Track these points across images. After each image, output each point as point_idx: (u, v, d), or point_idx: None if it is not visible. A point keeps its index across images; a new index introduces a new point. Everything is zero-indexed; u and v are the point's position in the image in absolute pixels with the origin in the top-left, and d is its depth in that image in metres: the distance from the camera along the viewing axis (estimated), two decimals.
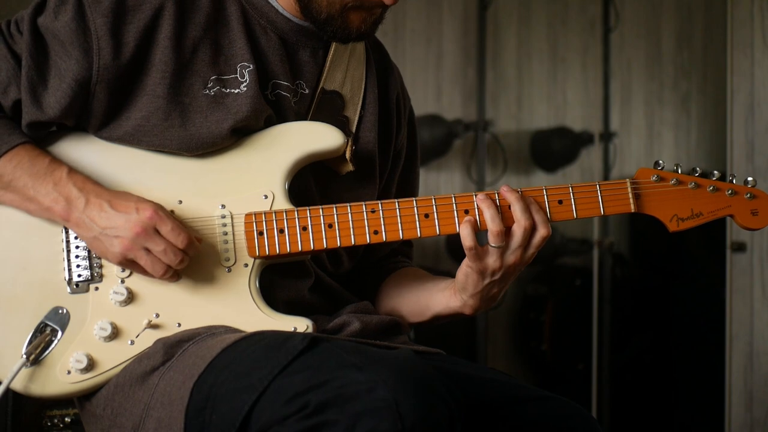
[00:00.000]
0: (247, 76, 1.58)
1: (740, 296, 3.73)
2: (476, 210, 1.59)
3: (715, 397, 3.81)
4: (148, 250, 1.50)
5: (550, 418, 1.56)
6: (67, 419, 2.40)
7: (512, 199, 1.57)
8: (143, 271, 1.53)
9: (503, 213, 1.58)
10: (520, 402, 1.57)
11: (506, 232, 1.57)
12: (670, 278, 4.48)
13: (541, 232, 1.58)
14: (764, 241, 3.70)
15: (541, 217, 1.58)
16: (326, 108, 1.68)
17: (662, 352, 4.49)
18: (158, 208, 1.52)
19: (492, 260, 1.58)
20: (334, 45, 1.70)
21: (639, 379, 4.51)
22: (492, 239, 1.57)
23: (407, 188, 1.85)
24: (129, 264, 1.53)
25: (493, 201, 1.58)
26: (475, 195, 1.59)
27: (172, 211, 1.57)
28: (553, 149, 4.50)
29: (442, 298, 1.68)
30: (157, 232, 1.50)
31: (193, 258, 1.54)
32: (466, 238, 1.57)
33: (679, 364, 4.40)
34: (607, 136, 4.53)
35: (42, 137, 1.60)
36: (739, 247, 3.70)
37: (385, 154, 1.78)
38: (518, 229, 1.57)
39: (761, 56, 3.73)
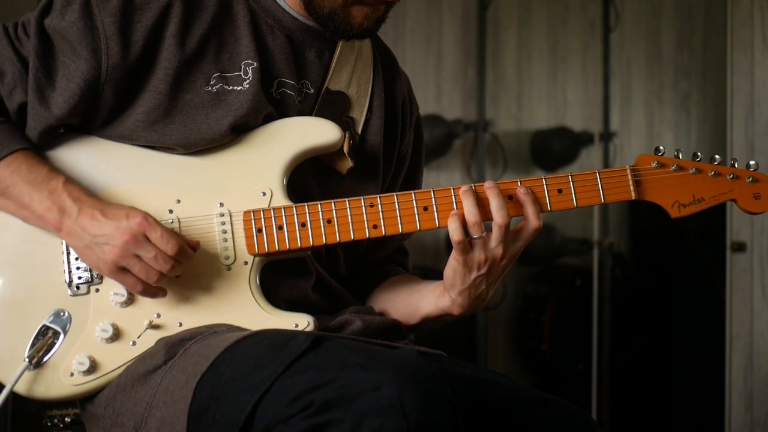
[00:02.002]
0: (250, 74, 1.58)
1: (740, 296, 3.73)
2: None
3: (715, 397, 3.82)
4: (139, 258, 1.49)
5: (552, 420, 1.56)
6: (67, 419, 2.40)
7: (491, 195, 1.56)
8: (133, 283, 1.51)
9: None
10: (522, 404, 1.57)
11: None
12: (670, 278, 4.48)
13: (533, 224, 1.57)
14: (764, 241, 3.71)
15: (533, 210, 1.57)
16: (331, 108, 1.68)
17: (662, 352, 4.48)
18: (147, 216, 1.50)
19: (477, 252, 1.56)
20: (340, 46, 1.70)
21: (639, 379, 4.51)
22: (470, 229, 1.55)
23: None
24: (120, 274, 1.50)
25: (474, 192, 1.56)
26: (473, 186, 1.57)
27: (170, 210, 1.57)
28: (553, 149, 4.50)
29: (431, 298, 1.66)
30: (146, 239, 1.49)
31: (189, 264, 1.53)
32: (455, 232, 1.55)
33: (679, 365, 4.39)
34: (607, 136, 4.53)
35: (49, 142, 1.59)
36: (739, 247, 3.70)
37: (389, 159, 1.77)
38: (494, 226, 1.55)
39: (761, 56, 3.73)
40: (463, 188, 1.57)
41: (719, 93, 4.14)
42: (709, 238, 4.03)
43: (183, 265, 1.51)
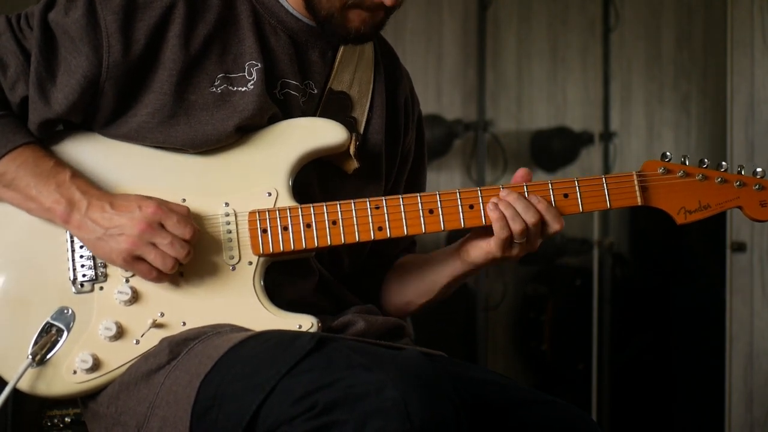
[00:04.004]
0: (254, 75, 1.58)
1: (740, 296, 3.73)
2: (481, 204, 1.59)
3: (715, 397, 3.81)
4: (154, 245, 1.50)
5: (553, 421, 1.56)
6: (67, 419, 2.39)
7: (512, 199, 1.58)
8: (147, 270, 1.52)
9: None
10: (523, 405, 1.57)
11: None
12: (670, 278, 4.48)
13: (555, 227, 1.60)
14: (764, 241, 3.70)
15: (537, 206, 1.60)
16: (334, 108, 1.68)
17: (662, 352, 4.48)
18: (161, 203, 1.51)
19: (515, 249, 1.60)
20: (342, 46, 1.70)
21: (639, 379, 4.51)
22: (515, 237, 1.58)
23: (415, 192, 1.85)
24: (134, 262, 1.51)
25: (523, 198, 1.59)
26: (502, 187, 1.59)
27: None
28: (553, 149, 4.50)
29: (449, 271, 1.70)
30: (161, 226, 1.50)
31: (196, 248, 1.54)
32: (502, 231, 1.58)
33: (679, 364, 4.39)
34: (607, 136, 4.53)
35: (49, 136, 1.59)
36: (739, 247, 3.70)
37: (392, 157, 1.78)
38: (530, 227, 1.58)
39: (761, 56, 3.73)
40: (513, 195, 1.58)
41: (719, 93, 4.14)
42: (709, 238, 4.03)
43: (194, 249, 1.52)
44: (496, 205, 1.57)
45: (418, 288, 1.74)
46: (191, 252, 1.52)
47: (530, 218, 1.56)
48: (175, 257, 1.50)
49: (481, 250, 1.62)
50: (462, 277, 1.70)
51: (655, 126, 4.80)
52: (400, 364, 1.32)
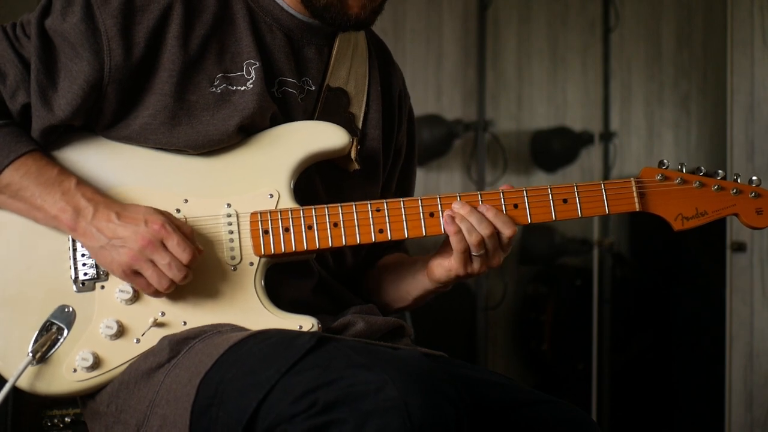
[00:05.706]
0: (253, 74, 1.59)
1: (740, 296, 3.73)
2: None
3: (715, 397, 3.82)
4: (153, 263, 1.50)
5: (553, 421, 1.57)
6: (67, 419, 2.39)
7: (464, 212, 1.58)
8: (144, 285, 1.52)
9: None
10: (523, 405, 1.58)
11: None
12: (670, 278, 4.48)
13: (506, 232, 1.60)
14: (764, 241, 3.71)
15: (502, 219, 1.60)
16: (332, 105, 1.69)
17: (662, 352, 4.49)
18: (167, 221, 1.51)
19: (476, 264, 1.61)
20: (338, 42, 1.70)
21: (639, 379, 4.51)
22: (472, 249, 1.58)
23: (406, 185, 1.87)
24: (132, 275, 1.51)
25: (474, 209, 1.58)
26: (480, 195, 1.60)
27: (177, 210, 1.57)
28: (553, 149, 4.50)
29: (419, 285, 1.72)
30: (163, 245, 1.50)
31: (196, 270, 1.53)
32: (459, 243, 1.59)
33: (679, 364, 4.40)
34: (607, 136, 4.53)
35: (52, 141, 1.58)
36: (739, 247, 3.70)
37: (388, 151, 1.79)
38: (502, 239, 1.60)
39: (761, 56, 3.73)
40: (466, 208, 1.57)
41: (719, 93, 4.14)
42: (709, 238, 4.04)
43: (192, 272, 1.52)
44: (452, 218, 1.58)
45: (394, 294, 1.76)
46: (189, 275, 1.51)
47: (484, 230, 1.57)
48: (171, 279, 1.50)
49: (442, 268, 1.63)
50: (432, 292, 1.72)
51: (655, 126, 4.81)
52: (400, 363, 1.32)
